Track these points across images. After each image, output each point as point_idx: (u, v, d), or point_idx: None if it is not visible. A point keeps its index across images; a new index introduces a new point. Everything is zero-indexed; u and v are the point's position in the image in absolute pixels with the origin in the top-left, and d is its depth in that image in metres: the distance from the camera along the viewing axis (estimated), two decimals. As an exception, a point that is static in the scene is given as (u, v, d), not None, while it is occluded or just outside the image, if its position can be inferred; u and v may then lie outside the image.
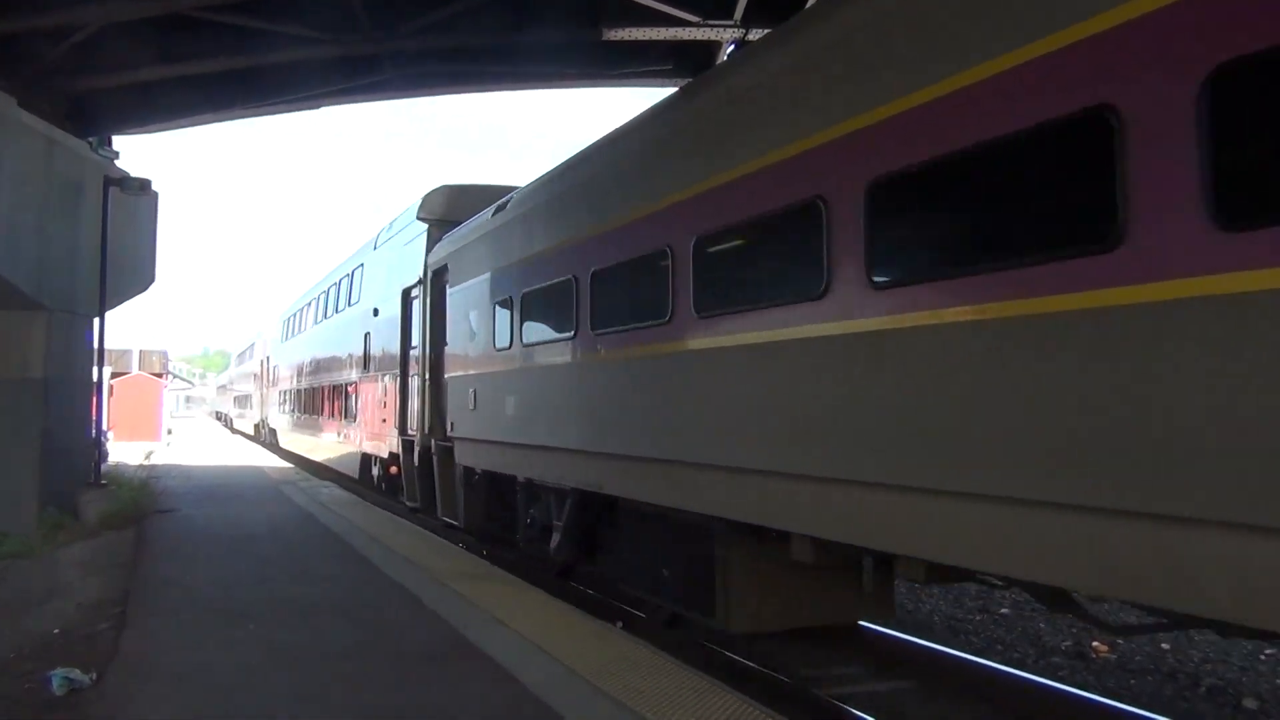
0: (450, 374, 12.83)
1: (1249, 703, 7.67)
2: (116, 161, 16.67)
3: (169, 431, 44.16)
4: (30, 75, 14.00)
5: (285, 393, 30.99)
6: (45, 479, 14.16)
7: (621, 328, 7.86)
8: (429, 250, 14.26)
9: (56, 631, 7.90)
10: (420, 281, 14.38)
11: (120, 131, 17.21)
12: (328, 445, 23.34)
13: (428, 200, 14.96)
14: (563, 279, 8.90)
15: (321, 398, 23.85)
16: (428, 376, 13.79)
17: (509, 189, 12.32)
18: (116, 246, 15.41)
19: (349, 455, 20.36)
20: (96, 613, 8.45)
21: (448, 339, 12.98)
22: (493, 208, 11.54)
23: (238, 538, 12.36)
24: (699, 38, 14.15)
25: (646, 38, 14.20)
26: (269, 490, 19.42)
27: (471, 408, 11.59)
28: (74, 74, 14.66)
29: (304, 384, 26.88)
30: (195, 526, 13.61)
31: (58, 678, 6.09)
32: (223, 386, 72.25)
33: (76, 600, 9.14)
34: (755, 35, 13.55)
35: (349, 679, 6.09)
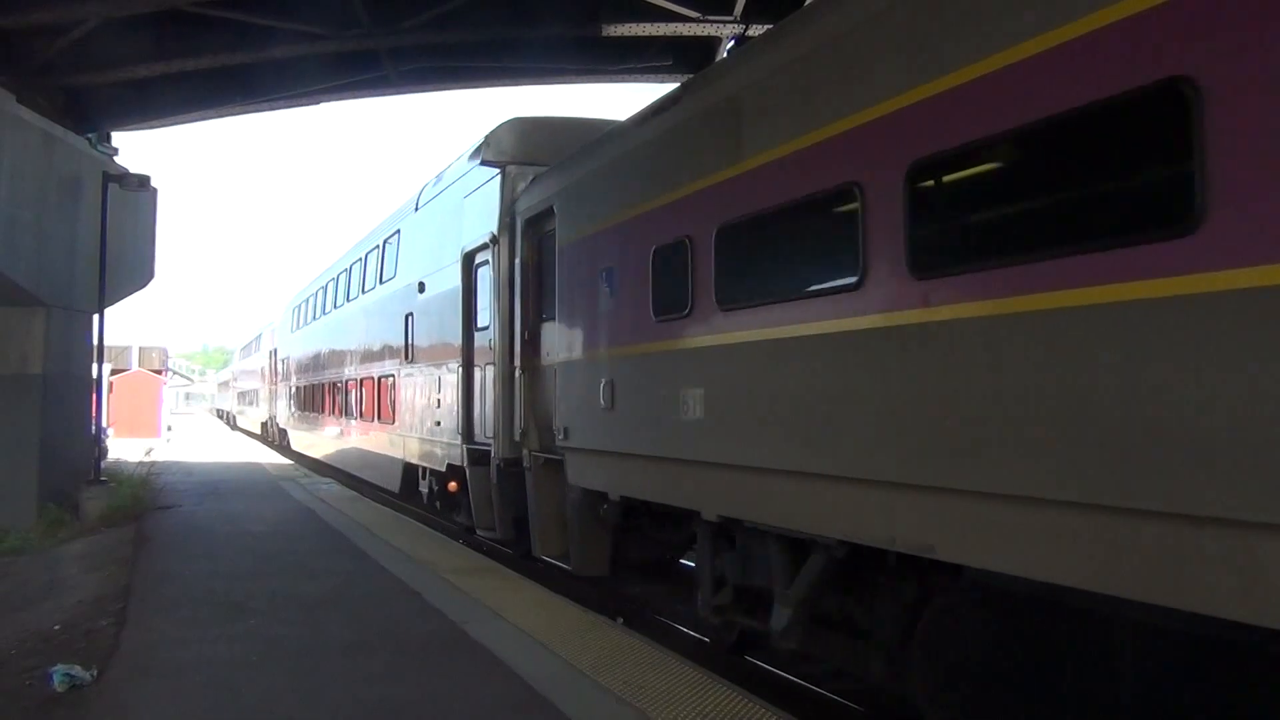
0: (559, 359, 9.40)
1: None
2: (115, 158, 16.67)
3: (169, 428, 44.15)
4: (28, 71, 13.99)
5: (298, 389, 27.36)
6: (45, 475, 14.18)
7: (1004, 262, 4.40)
8: (504, 196, 10.99)
9: (57, 627, 7.90)
10: (494, 240, 11.04)
11: (119, 127, 17.22)
12: (353, 451, 19.66)
13: (495, 139, 11.42)
14: (824, 192, 5.55)
15: (345, 395, 20.21)
16: (517, 365, 10.41)
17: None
18: (116, 243, 15.41)
19: (385, 465, 16.78)
20: (97, 609, 8.45)
21: (557, 310, 9.48)
22: (635, 118, 8.43)
23: (238, 533, 12.37)
24: (698, 33, 14.16)
25: (646, 34, 14.21)
26: (269, 486, 19.44)
27: (604, 407, 8.21)
28: (72, 70, 14.65)
29: (322, 379, 23.26)
30: (195, 523, 13.62)
31: (58, 674, 6.09)
32: (224, 383, 71.89)
33: (77, 596, 9.15)
34: (755, 31, 13.56)
35: (349, 674, 6.10)
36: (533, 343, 10.32)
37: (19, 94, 13.40)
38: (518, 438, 10.39)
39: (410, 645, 6.77)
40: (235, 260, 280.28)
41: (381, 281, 17.07)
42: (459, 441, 12.12)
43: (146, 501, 15.60)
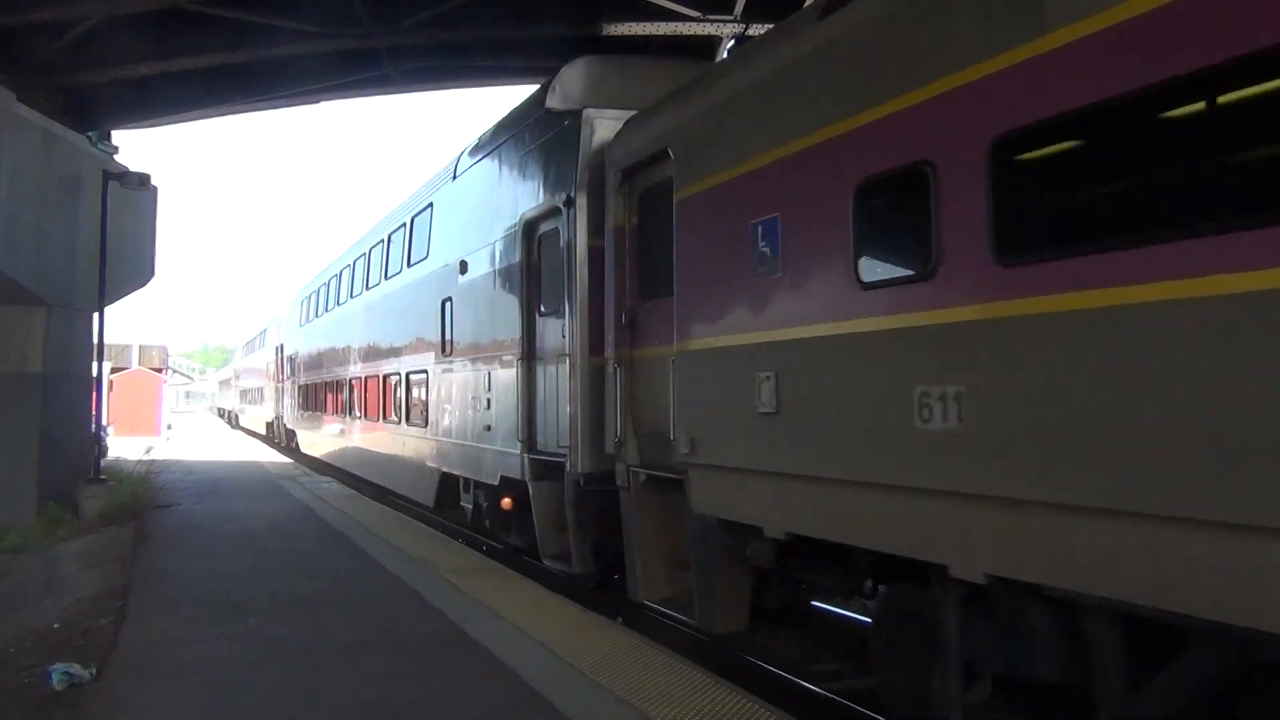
0: (680, 347, 7.13)
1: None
2: (115, 156, 16.69)
3: (169, 427, 44.17)
4: (29, 69, 14.01)
5: (309, 387, 25.25)
6: (44, 474, 14.19)
7: None
8: (583, 147, 8.87)
9: (56, 626, 7.90)
10: (568, 202, 8.94)
11: (119, 126, 17.26)
12: (374, 456, 17.69)
13: (564, 82, 9.36)
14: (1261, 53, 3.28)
15: (364, 394, 18.21)
16: (610, 356, 8.31)
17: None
18: (116, 241, 15.41)
19: (416, 474, 14.65)
20: (96, 607, 8.45)
21: (676, 283, 7.22)
22: (809, 11, 6.37)
23: (238, 532, 12.37)
24: (698, 33, 14.14)
25: (645, 33, 14.19)
26: (269, 485, 19.44)
27: (763, 410, 6.09)
28: (73, 68, 14.67)
29: (337, 375, 21.22)
30: (195, 521, 13.61)
31: (57, 672, 6.09)
32: (225, 381, 71.64)
33: (76, 595, 9.15)
34: (756, 30, 13.55)
35: (348, 673, 6.09)
36: (631, 325, 8.17)
37: (19, 92, 13.41)
38: (610, 449, 8.27)
39: (410, 645, 6.76)
40: (236, 259, 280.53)
41: (410, 264, 14.94)
42: (518, 450, 9.97)
43: (146, 500, 15.59)
